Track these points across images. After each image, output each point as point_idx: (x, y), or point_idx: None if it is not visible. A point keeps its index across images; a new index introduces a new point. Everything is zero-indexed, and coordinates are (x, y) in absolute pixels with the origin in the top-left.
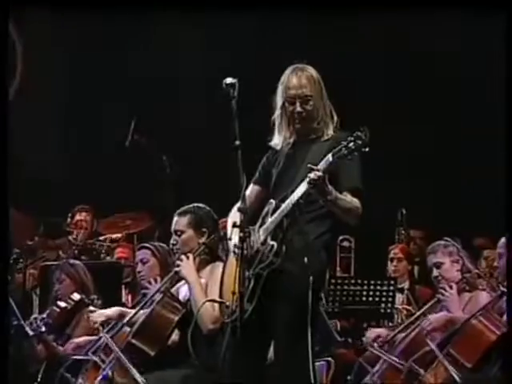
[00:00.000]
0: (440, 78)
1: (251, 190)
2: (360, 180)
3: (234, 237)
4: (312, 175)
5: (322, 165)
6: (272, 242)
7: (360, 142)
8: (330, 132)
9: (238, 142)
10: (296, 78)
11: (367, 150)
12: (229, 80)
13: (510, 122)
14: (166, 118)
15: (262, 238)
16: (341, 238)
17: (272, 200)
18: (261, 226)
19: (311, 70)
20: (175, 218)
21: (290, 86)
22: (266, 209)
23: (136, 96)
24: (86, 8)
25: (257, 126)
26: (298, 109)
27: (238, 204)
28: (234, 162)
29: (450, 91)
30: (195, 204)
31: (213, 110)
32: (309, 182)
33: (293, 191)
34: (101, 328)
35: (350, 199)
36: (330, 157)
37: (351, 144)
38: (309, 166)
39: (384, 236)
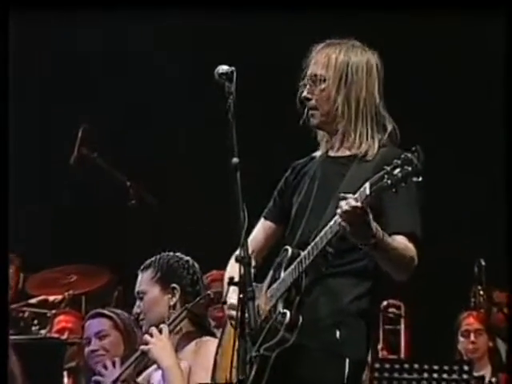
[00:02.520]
0: (439, 78)
1: (260, 229)
2: (417, 221)
3: (231, 299)
4: (345, 206)
5: (358, 196)
6: (284, 310)
7: (409, 169)
8: (373, 146)
9: (235, 160)
10: (315, 54)
11: (420, 179)
12: (223, 68)
13: (510, 123)
14: (133, 126)
15: (271, 301)
16: (386, 302)
17: (287, 247)
18: (270, 285)
19: (344, 48)
20: (139, 276)
21: (306, 64)
22: (278, 259)
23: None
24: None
25: (268, 134)
26: (304, 93)
27: (238, 251)
28: (232, 187)
29: (449, 91)
30: (165, 253)
31: (199, 116)
32: (340, 216)
33: (318, 232)
34: None
35: (402, 245)
36: (367, 188)
37: (397, 171)
38: (341, 195)
39: (452, 299)
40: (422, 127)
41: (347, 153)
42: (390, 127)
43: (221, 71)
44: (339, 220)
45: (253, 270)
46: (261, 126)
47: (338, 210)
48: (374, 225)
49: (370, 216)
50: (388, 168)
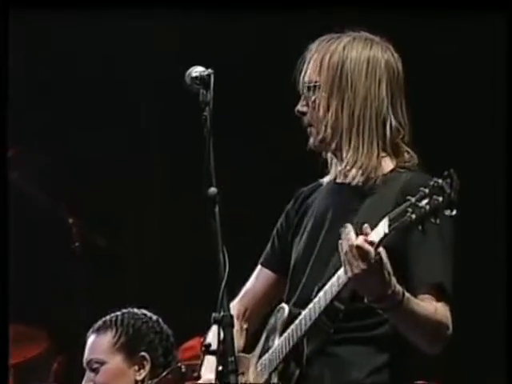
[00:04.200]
0: (439, 79)
1: (256, 279)
2: (448, 269)
3: (207, 373)
4: (353, 250)
5: (373, 237)
6: None
7: (440, 200)
8: (386, 167)
9: (213, 190)
10: (310, 54)
11: (454, 213)
12: (197, 71)
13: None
14: (81, 145)
15: (262, 376)
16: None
17: (283, 304)
18: (262, 354)
19: (342, 44)
20: (90, 338)
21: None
22: (271, 320)
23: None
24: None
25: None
26: (298, 106)
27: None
28: (208, 225)
29: (448, 93)
30: (126, 310)
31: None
32: (345, 264)
33: (323, 285)
34: None
35: (431, 307)
36: (384, 225)
37: (424, 202)
38: (352, 234)
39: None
40: (422, 127)
41: (358, 179)
42: (404, 151)
43: (194, 74)
44: (344, 270)
45: (243, 334)
46: (253, 148)
47: (343, 255)
48: (393, 279)
49: (388, 265)
50: (412, 199)
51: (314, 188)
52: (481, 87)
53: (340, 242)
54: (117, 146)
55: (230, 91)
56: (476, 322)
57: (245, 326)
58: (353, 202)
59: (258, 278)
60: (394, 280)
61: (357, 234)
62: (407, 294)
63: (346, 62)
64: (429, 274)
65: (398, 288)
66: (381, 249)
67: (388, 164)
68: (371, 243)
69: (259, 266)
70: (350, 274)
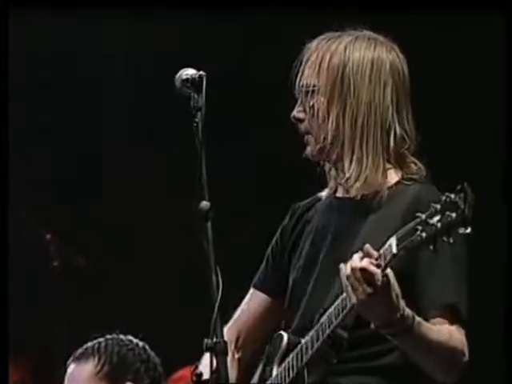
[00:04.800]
0: (438, 79)
1: (250, 303)
2: (462, 290)
3: None
4: (356, 273)
5: (379, 258)
6: None
7: (453, 216)
8: (391, 180)
9: (205, 204)
10: (307, 55)
11: (469, 231)
12: (187, 73)
13: (510, 124)
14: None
15: None
16: None
17: (282, 332)
18: None
19: (343, 43)
20: (71, 367)
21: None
22: (269, 349)
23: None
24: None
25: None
26: (294, 111)
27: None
28: (199, 243)
29: (447, 93)
30: (110, 336)
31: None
32: (348, 289)
33: (325, 310)
34: None
35: (445, 333)
36: (392, 244)
37: (435, 219)
38: (355, 256)
39: None
40: (422, 127)
41: (361, 192)
42: (409, 161)
43: (184, 77)
44: (347, 296)
45: (235, 365)
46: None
47: (344, 279)
48: (401, 303)
49: (396, 287)
50: (422, 215)
51: (311, 202)
52: (480, 87)
53: (341, 265)
54: (100, 157)
55: (226, 95)
56: (476, 322)
57: (237, 356)
58: (355, 218)
59: (251, 301)
60: (402, 303)
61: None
62: (418, 318)
63: (347, 64)
64: (441, 294)
65: (408, 311)
66: (388, 270)
67: (393, 176)
68: (377, 265)
69: (252, 289)
70: (354, 300)
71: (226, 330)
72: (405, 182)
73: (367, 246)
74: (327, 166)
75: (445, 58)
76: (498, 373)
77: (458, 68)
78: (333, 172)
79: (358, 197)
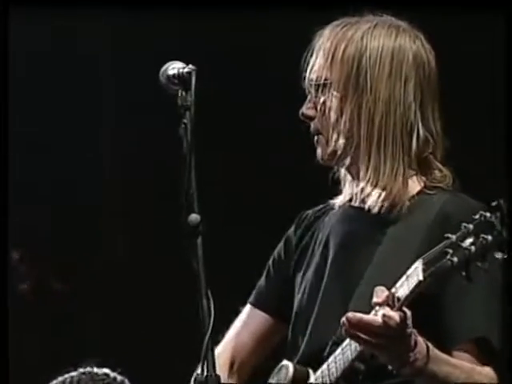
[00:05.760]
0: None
1: (245, 322)
2: (494, 322)
3: None
4: (381, 312)
5: (402, 291)
6: None
7: (489, 239)
8: (413, 188)
9: (194, 217)
10: (319, 44)
11: (506, 255)
12: (175, 67)
13: (510, 124)
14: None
15: None
16: None
17: (286, 362)
18: None
19: (359, 31)
20: None
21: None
22: (271, 380)
23: None
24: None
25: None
26: (303, 108)
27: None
28: (188, 262)
29: (446, 93)
30: (84, 370)
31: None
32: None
33: (339, 339)
34: None
35: (468, 368)
36: (418, 270)
37: (468, 242)
38: (377, 289)
39: None
40: None
41: (379, 203)
42: (436, 170)
43: (170, 72)
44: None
45: None
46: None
47: (348, 327)
48: (419, 341)
49: (410, 323)
50: (453, 237)
51: (322, 211)
52: (480, 87)
53: (349, 315)
54: (83, 168)
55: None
56: None
57: (232, 381)
58: (373, 232)
59: (249, 320)
60: (419, 340)
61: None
62: (437, 354)
63: (364, 55)
64: (471, 327)
65: (423, 348)
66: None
67: (415, 185)
68: (396, 300)
69: (249, 306)
70: (365, 347)
71: (218, 352)
72: (428, 191)
73: (378, 288)
74: (342, 172)
75: (445, 58)
76: None
77: (458, 68)
78: (348, 177)
79: (376, 208)
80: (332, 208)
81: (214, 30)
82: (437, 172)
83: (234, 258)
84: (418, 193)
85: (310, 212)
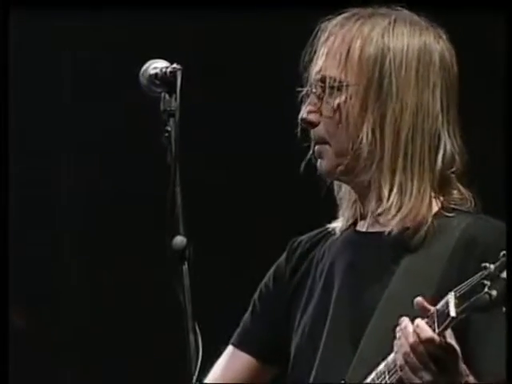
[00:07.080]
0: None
1: (225, 367)
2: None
3: None
4: (408, 355)
5: (426, 331)
6: None
7: None
8: (433, 209)
9: (180, 240)
10: (325, 39)
11: None
12: (156, 67)
13: (510, 124)
14: None
15: None
16: None
17: None
18: None
19: (377, 27)
20: None
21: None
22: None
23: None
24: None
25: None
26: (304, 113)
27: None
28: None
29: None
30: None
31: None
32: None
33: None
34: None
35: None
36: (450, 304)
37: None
38: (403, 323)
39: None
40: None
41: (400, 226)
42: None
43: (152, 71)
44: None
45: None
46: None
47: (400, 356)
48: (462, 368)
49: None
50: (491, 266)
51: (318, 237)
52: (479, 87)
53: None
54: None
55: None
56: None
57: None
58: (386, 260)
59: (231, 364)
60: (463, 367)
61: None
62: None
63: (388, 56)
64: (492, 371)
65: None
66: (448, 332)
67: (432, 205)
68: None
69: (231, 348)
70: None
71: None
72: (446, 213)
73: (419, 299)
74: (343, 190)
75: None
76: None
77: (458, 68)
78: (352, 197)
79: (394, 232)
80: (331, 233)
81: (201, 28)
82: (455, 192)
83: (223, 287)
84: (435, 215)
85: (304, 238)
